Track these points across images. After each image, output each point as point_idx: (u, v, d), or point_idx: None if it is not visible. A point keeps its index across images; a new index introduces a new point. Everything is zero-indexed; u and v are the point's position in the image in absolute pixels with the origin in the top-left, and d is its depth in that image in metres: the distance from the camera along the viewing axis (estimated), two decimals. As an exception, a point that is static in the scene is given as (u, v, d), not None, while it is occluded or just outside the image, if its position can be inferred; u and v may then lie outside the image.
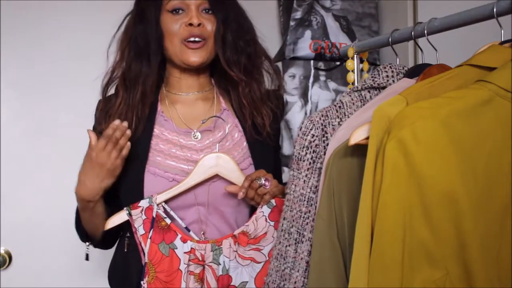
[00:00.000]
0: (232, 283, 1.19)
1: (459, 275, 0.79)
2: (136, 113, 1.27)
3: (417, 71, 1.04)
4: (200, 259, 1.19)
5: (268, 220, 1.21)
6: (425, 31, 1.07)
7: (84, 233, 1.32)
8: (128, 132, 1.18)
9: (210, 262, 1.19)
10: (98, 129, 1.30)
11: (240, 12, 1.33)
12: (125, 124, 1.18)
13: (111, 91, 1.34)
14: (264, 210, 1.21)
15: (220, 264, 1.19)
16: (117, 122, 1.18)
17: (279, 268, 1.07)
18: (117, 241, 1.35)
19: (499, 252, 0.81)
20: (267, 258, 1.20)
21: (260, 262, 1.20)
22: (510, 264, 0.81)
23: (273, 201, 1.21)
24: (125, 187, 1.26)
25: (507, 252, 0.81)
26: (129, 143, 1.19)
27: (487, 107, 0.80)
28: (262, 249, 1.21)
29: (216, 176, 1.24)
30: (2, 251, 1.80)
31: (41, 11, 1.83)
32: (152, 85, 1.29)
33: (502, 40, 0.92)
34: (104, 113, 1.30)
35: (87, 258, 1.29)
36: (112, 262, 1.35)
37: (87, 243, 1.31)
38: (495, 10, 0.92)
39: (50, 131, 1.83)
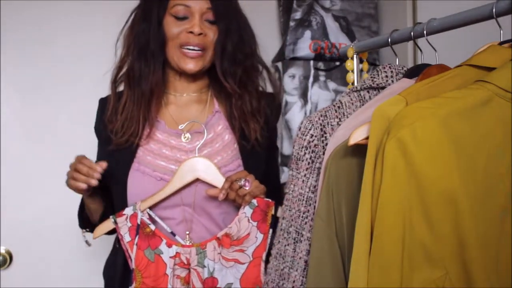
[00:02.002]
0: (218, 285, 1.20)
1: (458, 275, 0.80)
2: (142, 111, 1.28)
3: (416, 71, 1.04)
4: (186, 262, 1.21)
5: (250, 221, 1.21)
6: (425, 32, 1.07)
7: (85, 219, 1.36)
8: (96, 175, 1.19)
9: (195, 265, 1.20)
10: (106, 125, 1.32)
11: (243, 23, 1.34)
12: (97, 171, 1.19)
13: (120, 86, 1.35)
14: (246, 211, 1.22)
15: (205, 267, 1.20)
16: (99, 168, 1.19)
17: (278, 267, 1.07)
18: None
19: (498, 251, 0.81)
20: (251, 259, 1.21)
21: (244, 263, 1.21)
22: (509, 263, 0.81)
23: (254, 201, 1.21)
24: (113, 184, 1.29)
25: (506, 252, 0.81)
26: (84, 184, 1.20)
27: (486, 107, 0.80)
28: (245, 250, 1.21)
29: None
30: (3, 251, 1.80)
31: (41, 11, 1.83)
32: (156, 84, 1.29)
33: (502, 40, 0.93)
34: (114, 110, 1.31)
35: (88, 244, 1.32)
36: (108, 256, 1.39)
37: (83, 230, 1.36)
38: (494, 10, 0.93)
39: (50, 131, 1.83)
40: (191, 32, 1.25)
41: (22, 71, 1.83)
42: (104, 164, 1.20)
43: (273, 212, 1.21)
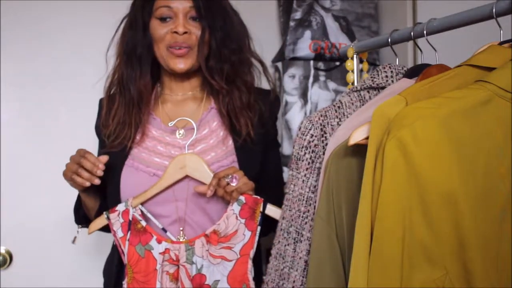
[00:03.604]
0: (206, 282, 1.21)
1: (458, 275, 0.80)
2: (134, 116, 1.30)
3: (416, 71, 1.04)
4: (175, 259, 1.21)
5: (238, 218, 1.21)
6: (425, 32, 1.08)
7: (82, 215, 1.38)
8: (99, 172, 1.21)
9: (184, 262, 1.21)
10: (101, 129, 1.34)
11: (229, 18, 1.34)
12: (101, 165, 1.21)
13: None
14: (234, 208, 1.22)
15: (193, 264, 1.20)
16: (103, 159, 1.22)
17: (278, 267, 1.07)
18: None
19: (498, 251, 0.81)
20: (239, 256, 1.21)
21: (231, 260, 1.21)
22: (509, 263, 0.81)
23: (242, 198, 1.21)
24: (107, 181, 1.30)
25: (506, 252, 0.81)
26: (85, 182, 1.22)
27: (486, 107, 0.80)
28: (233, 247, 1.21)
29: None
30: (3, 251, 1.80)
31: (41, 11, 1.83)
32: (144, 89, 1.32)
33: (501, 40, 0.93)
34: (108, 115, 1.33)
35: (74, 241, 1.34)
36: (107, 257, 1.41)
37: (79, 226, 1.37)
38: (494, 10, 0.93)
39: (50, 131, 1.83)
40: (176, 32, 1.27)
41: (23, 71, 1.83)
42: (105, 158, 1.22)
43: (261, 209, 1.21)
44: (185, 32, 1.27)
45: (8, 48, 1.81)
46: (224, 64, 1.31)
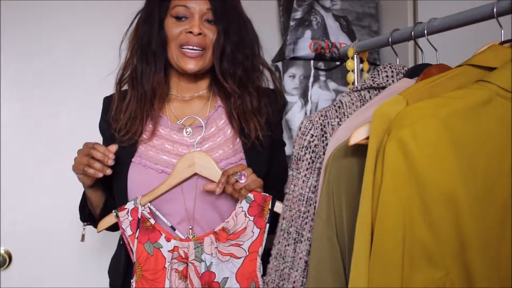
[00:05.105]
0: (215, 280, 1.21)
1: (459, 275, 0.80)
2: (146, 111, 1.31)
3: (417, 71, 1.04)
4: (184, 256, 1.21)
5: (247, 215, 1.21)
6: (425, 31, 1.07)
7: (87, 213, 1.37)
8: (110, 162, 1.21)
9: (193, 259, 1.21)
10: (104, 127, 1.35)
11: (244, 25, 1.35)
12: (111, 154, 1.21)
13: (124, 87, 1.37)
14: (243, 205, 1.22)
15: (202, 261, 1.20)
16: (112, 148, 1.22)
17: (278, 267, 1.07)
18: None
19: (499, 252, 0.81)
20: (247, 253, 1.22)
21: (240, 258, 1.21)
22: (510, 264, 0.81)
23: (251, 195, 1.21)
24: (114, 178, 1.30)
25: (507, 252, 0.81)
26: (99, 173, 1.22)
27: (487, 107, 0.80)
28: (242, 244, 1.21)
29: None
30: (2, 251, 1.80)
31: (41, 11, 1.83)
32: (158, 84, 1.32)
33: (502, 40, 0.93)
34: (119, 109, 1.33)
35: (82, 239, 1.34)
36: (113, 254, 1.40)
37: (84, 224, 1.37)
38: (495, 10, 0.93)
39: (50, 131, 1.83)
40: (190, 32, 1.27)
41: (23, 71, 1.83)
42: (114, 148, 1.22)
43: (270, 206, 1.21)
44: (200, 34, 1.27)
45: (8, 48, 1.81)
46: (237, 68, 1.31)
